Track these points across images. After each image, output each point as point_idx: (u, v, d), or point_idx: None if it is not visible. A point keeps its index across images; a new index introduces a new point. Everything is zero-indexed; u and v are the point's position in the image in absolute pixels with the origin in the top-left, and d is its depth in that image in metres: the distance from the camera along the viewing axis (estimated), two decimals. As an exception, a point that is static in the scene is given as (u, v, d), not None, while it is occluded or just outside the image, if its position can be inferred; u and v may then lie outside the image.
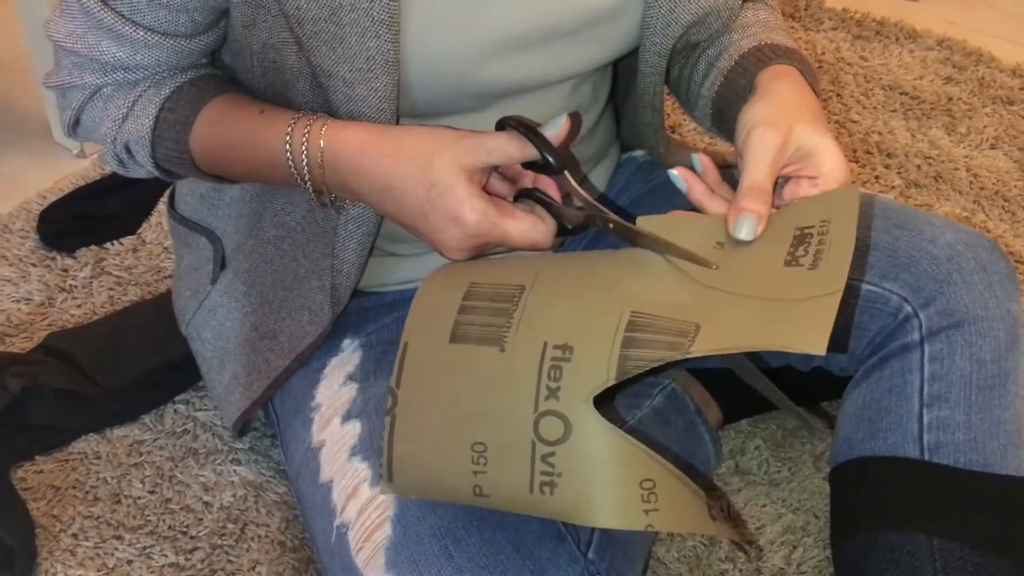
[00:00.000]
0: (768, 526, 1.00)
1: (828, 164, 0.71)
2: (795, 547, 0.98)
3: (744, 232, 0.69)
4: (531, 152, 0.71)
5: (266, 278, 0.87)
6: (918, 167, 1.50)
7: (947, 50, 1.77)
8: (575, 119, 0.78)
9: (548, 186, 0.73)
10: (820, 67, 1.72)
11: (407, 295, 0.90)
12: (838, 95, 1.65)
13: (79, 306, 1.20)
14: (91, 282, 1.23)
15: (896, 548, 0.75)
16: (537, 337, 0.65)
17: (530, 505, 0.63)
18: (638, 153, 0.99)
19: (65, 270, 1.25)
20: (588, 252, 0.77)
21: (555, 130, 0.71)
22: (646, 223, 0.73)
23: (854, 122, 1.59)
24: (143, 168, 0.82)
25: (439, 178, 0.69)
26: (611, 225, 0.72)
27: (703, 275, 0.69)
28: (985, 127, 1.59)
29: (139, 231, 1.31)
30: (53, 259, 1.26)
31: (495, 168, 0.73)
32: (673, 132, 1.56)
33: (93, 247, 1.28)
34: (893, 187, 1.47)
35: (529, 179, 0.74)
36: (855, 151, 1.53)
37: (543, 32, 0.75)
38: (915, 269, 0.79)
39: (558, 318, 0.66)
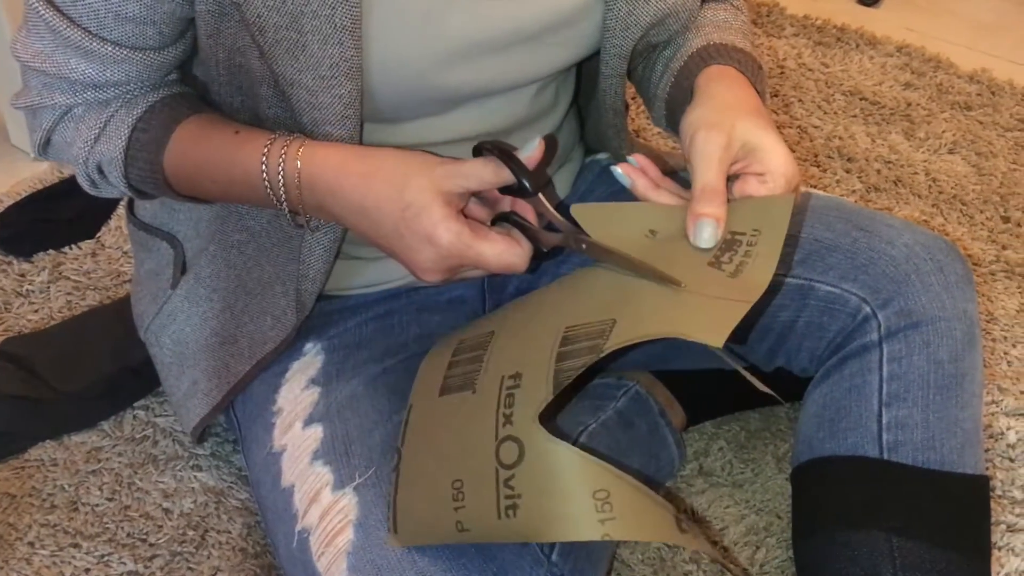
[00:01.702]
0: (731, 527, 1.00)
1: (774, 160, 0.72)
2: (758, 548, 0.99)
3: (704, 240, 0.70)
4: (506, 176, 0.71)
5: (229, 283, 0.86)
6: (878, 171, 1.52)
7: (906, 56, 1.79)
8: (550, 142, 0.79)
9: (525, 210, 0.74)
10: (782, 73, 1.74)
11: (370, 298, 0.89)
12: (799, 100, 1.67)
13: (36, 311, 1.18)
14: (49, 287, 1.21)
15: (855, 546, 0.76)
16: (497, 373, 0.69)
17: (501, 532, 0.65)
18: (602, 156, 1.00)
19: (22, 275, 1.23)
20: (546, 286, 0.78)
21: (529, 153, 0.71)
22: (580, 211, 0.74)
23: (815, 127, 1.61)
24: (116, 188, 0.81)
25: (415, 199, 0.69)
26: (584, 246, 0.73)
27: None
28: (943, 132, 1.61)
29: (98, 235, 1.30)
30: (9, 263, 1.24)
31: (472, 193, 0.73)
32: (637, 136, 1.56)
33: (51, 251, 1.26)
34: (854, 191, 1.48)
35: (507, 203, 0.74)
36: (816, 156, 1.55)
37: (505, 37, 0.75)
38: (873, 270, 0.80)
39: (513, 352, 0.70)
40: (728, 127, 0.73)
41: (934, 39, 1.87)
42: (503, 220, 0.74)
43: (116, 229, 1.30)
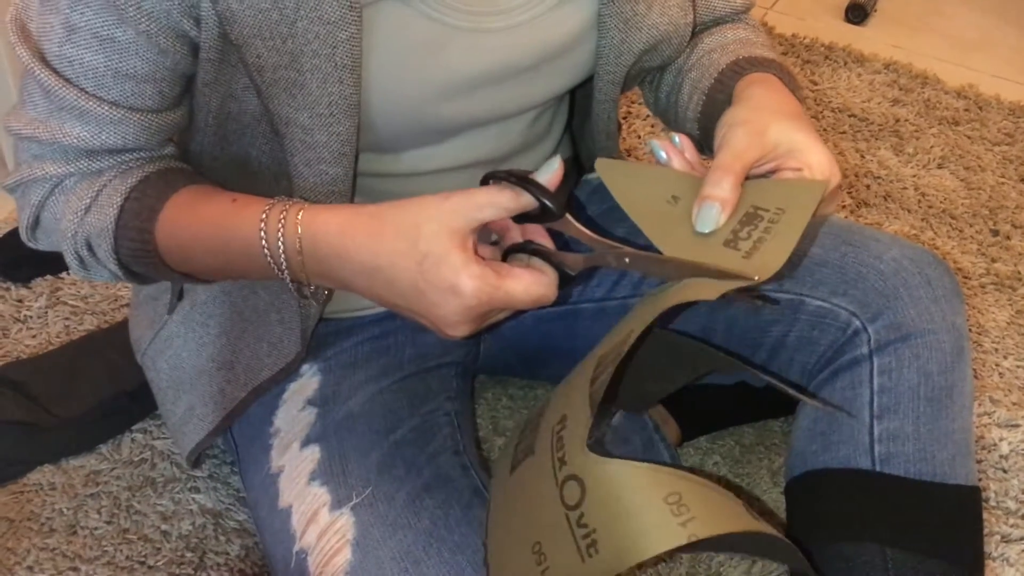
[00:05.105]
0: (728, 542, 1.01)
1: (811, 157, 0.69)
2: (754, 562, 0.99)
3: (703, 223, 0.66)
4: (527, 201, 0.65)
5: (225, 309, 0.87)
6: (868, 187, 1.54)
7: (894, 73, 1.81)
8: (567, 163, 0.73)
9: (539, 235, 0.69)
10: (771, 91, 1.75)
11: (367, 320, 0.90)
12: (789, 118, 1.68)
13: (34, 336, 1.19)
14: (46, 312, 1.22)
15: (850, 558, 0.77)
16: (547, 427, 0.69)
17: (588, 573, 0.62)
18: (593, 176, 1.01)
19: (20, 300, 1.24)
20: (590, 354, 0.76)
21: (550, 174, 0.65)
22: (604, 166, 0.70)
23: (805, 144, 1.62)
24: (105, 269, 0.75)
25: (430, 248, 0.63)
26: (627, 260, 0.66)
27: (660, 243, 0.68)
28: (932, 147, 1.63)
29: (95, 260, 1.30)
30: (7, 289, 1.25)
31: (486, 225, 0.66)
32: (629, 155, 1.58)
33: (48, 277, 1.27)
34: (844, 207, 1.50)
35: (517, 233, 0.69)
36: (807, 172, 1.56)
37: (503, 69, 0.75)
38: (863, 284, 0.81)
39: (557, 404, 0.70)
40: (761, 125, 0.70)
41: (921, 56, 1.89)
42: (517, 252, 0.69)
43: (113, 254, 1.31)
